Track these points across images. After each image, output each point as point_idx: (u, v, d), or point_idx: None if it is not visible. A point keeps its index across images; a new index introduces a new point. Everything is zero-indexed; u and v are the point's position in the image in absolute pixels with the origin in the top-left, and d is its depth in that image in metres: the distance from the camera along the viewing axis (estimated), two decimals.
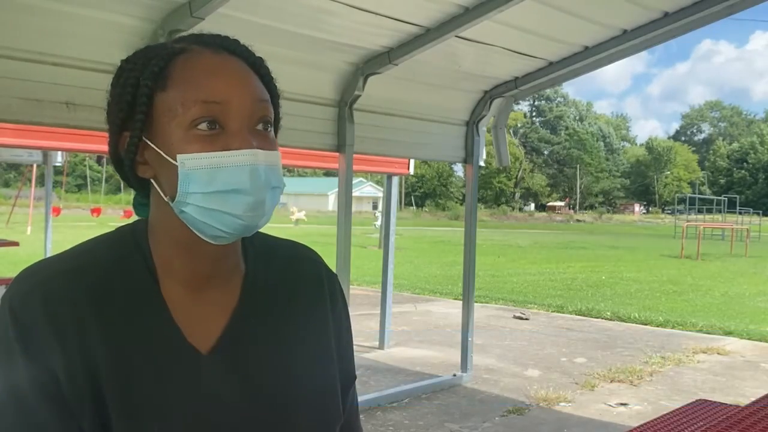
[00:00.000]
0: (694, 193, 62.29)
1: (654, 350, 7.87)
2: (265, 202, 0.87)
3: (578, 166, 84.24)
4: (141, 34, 3.59)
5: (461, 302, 6.35)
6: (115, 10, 3.50)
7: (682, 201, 50.74)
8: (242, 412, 0.92)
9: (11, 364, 0.84)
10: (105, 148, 0.96)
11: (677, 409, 3.94)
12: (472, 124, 5.96)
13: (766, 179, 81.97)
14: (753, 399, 3.72)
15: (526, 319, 9.86)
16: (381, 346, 7.63)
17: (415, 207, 71.19)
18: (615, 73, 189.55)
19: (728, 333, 9.07)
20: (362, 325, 8.57)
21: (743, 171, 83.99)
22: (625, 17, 4.79)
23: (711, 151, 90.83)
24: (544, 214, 71.20)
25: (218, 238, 0.89)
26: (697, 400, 4.15)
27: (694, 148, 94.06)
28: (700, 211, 43.36)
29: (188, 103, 0.86)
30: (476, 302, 7.37)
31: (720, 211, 41.37)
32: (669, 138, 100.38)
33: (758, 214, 48.28)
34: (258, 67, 0.93)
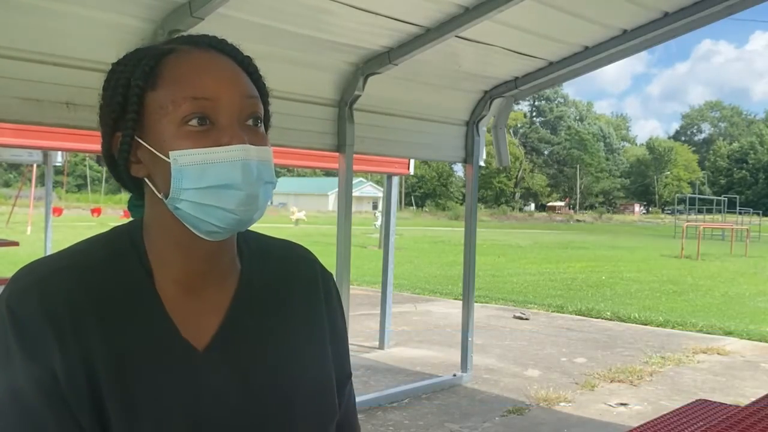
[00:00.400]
0: (695, 193, 62.29)
1: (654, 350, 7.87)
2: (258, 196, 0.88)
3: (578, 166, 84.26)
4: (141, 34, 3.58)
5: (461, 302, 6.35)
6: (115, 10, 3.51)
7: (682, 201, 50.74)
8: (238, 408, 0.92)
9: (10, 363, 0.85)
10: (101, 146, 0.96)
11: (677, 409, 3.94)
12: (472, 124, 5.96)
13: (766, 179, 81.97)
14: (753, 399, 3.72)
15: (526, 319, 9.86)
16: (381, 346, 7.63)
17: (415, 207, 71.21)
18: (615, 73, 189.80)
19: (728, 333, 9.07)
20: (362, 325, 8.57)
21: (743, 171, 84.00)
22: (625, 17, 4.79)
23: (711, 151, 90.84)
24: (544, 214, 71.22)
25: (213, 234, 0.90)
26: (697, 400, 4.15)
27: (694, 148, 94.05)
28: (700, 211, 43.38)
29: (178, 100, 0.87)
30: (476, 302, 7.38)
31: (720, 211, 41.38)
32: (669, 138, 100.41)
33: (758, 214, 48.30)
34: (246, 65, 0.95)
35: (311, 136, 4.86)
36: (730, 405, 4.12)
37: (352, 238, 5.20)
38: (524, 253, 22.84)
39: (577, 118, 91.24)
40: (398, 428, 5.10)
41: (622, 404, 5.79)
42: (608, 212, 75.78)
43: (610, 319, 10.07)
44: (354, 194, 7.62)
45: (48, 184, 10.87)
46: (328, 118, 4.90)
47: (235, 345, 0.94)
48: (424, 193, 78.03)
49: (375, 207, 51.15)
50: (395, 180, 7.70)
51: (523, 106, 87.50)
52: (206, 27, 3.49)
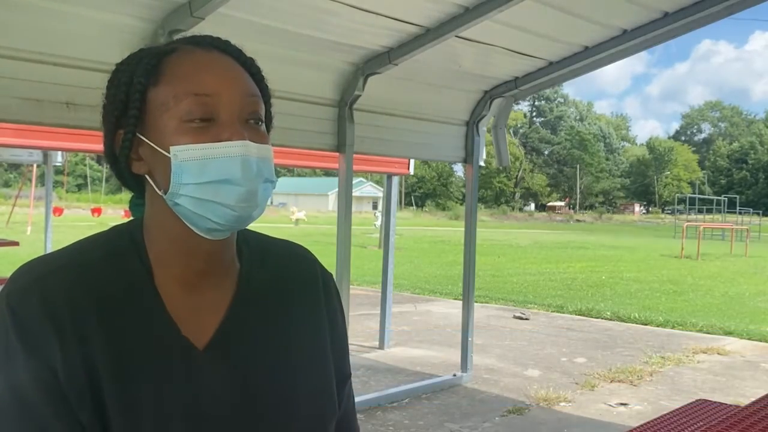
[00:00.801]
0: (695, 193, 62.28)
1: (654, 350, 7.87)
2: (258, 193, 0.88)
3: (578, 166, 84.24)
4: (141, 34, 3.59)
5: (461, 302, 6.35)
6: (115, 10, 3.51)
7: (682, 201, 50.77)
8: (237, 408, 0.92)
9: (11, 362, 0.85)
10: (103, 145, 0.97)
11: (677, 409, 3.94)
12: (472, 124, 5.96)
13: (766, 179, 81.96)
14: (753, 399, 3.72)
15: (526, 319, 9.86)
16: (381, 346, 7.62)
17: (415, 207, 71.18)
18: (615, 73, 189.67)
19: (728, 333, 9.07)
20: (362, 325, 8.57)
21: (744, 171, 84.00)
22: (625, 17, 4.79)
23: (711, 151, 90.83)
24: (544, 214, 71.23)
25: (212, 232, 0.90)
26: (697, 400, 4.15)
27: (694, 148, 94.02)
28: (700, 211, 43.39)
29: (180, 96, 0.87)
30: (476, 302, 7.37)
31: (720, 211, 41.38)
32: (669, 138, 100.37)
33: (758, 214, 48.31)
34: (249, 66, 0.95)
35: (311, 136, 4.86)
36: (730, 405, 4.13)
37: (352, 238, 5.20)
38: (524, 253, 22.84)
39: (578, 118, 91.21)
40: (398, 428, 5.10)
41: (622, 404, 5.79)
42: (608, 212, 75.77)
43: (610, 319, 10.06)
44: (354, 194, 7.62)
45: (48, 184, 10.86)
46: (328, 118, 4.90)
47: (235, 344, 0.94)
48: (424, 193, 78.01)
49: (375, 207, 51.16)
50: (395, 180, 7.70)
51: (523, 106, 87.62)
52: (206, 27, 3.49)
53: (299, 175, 69.07)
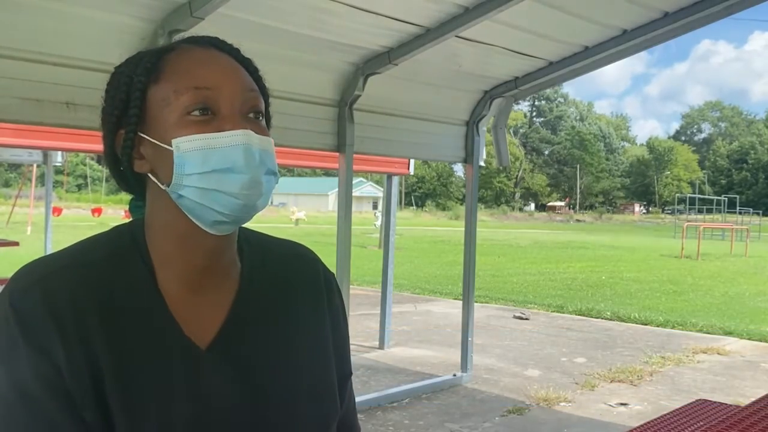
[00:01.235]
0: (695, 193, 62.29)
1: (654, 350, 7.87)
2: (262, 182, 0.88)
3: (578, 166, 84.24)
4: (141, 34, 3.59)
5: (461, 302, 6.35)
6: (115, 10, 3.51)
7: (682, 201, 50.77)
8: (240, 408, 0.92)
9: (15, 360, 0.85)
10: (103, 148, 0.97)
11: (677, 409, 3.94)
12: (472, 124, 5.96)
13: (766, 179, 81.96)
14: (753, 399, 3.72)
15: (526, 319, 9.86)
16: (381, 346, 7.62)
17: (415, 207, 71.19)
18: (615, 73, 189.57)
19: (728, 333, 9.07)
20: (362, 325, 8.57)
21: (744, 171, 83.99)
22: (625, 17, 4.79)
23: (711, 151, 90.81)
24: (544, 214, 71.22)
25: (217, 225, 0.90)
26: (697, 400, 4.15)
27: (694, 148, 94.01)
28: (700, 211, 43.41)
29: (180, 90, 0.88)
30: (476, 302, 7.37)
31: (720, 211, 41.40)
32: (669, 138, 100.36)
33: (758, 214, 48.31)
34: (247, 65, 0.96)
35: (311, 136, 4.86)
36: (730, 405, 4.13)
37: (352, 238, 5.19)
38: (524, 253, 22.84)
39: (578, 118, 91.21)
40: (398, 428, 5.10)
41: (622, 404, 5.79)
42: (608, 212, 75.76)
43: (610, 319, 10.06)
44: (354, 194, 7.62)
45: (48, 184, 10.86)
46: (328, 118, 4.90)
47: (237, 344, 0.94)
48: (424, 193, 78.01)
49: (375, 207, 51.17)
50: (395, 180, 7.70)
51: (523, 106, 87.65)
52: (206, 27, 3.49)
53: (299, 175, 69.05)
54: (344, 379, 1.08)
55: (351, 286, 5.60)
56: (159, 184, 0.90)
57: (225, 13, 3.59)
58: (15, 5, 3.26)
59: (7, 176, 55.48)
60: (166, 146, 0.87)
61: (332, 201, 57.63)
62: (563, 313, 10.63)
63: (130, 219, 1.00)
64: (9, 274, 0.92)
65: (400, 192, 56.49)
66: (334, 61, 4.70)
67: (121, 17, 3.54)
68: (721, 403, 4.09)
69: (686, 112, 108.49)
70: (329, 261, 1.21)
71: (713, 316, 10.39)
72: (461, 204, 52.79)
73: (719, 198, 44.52)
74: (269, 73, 1.00)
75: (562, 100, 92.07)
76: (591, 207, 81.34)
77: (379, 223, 21.57)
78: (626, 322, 9.91)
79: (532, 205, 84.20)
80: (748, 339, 8.73)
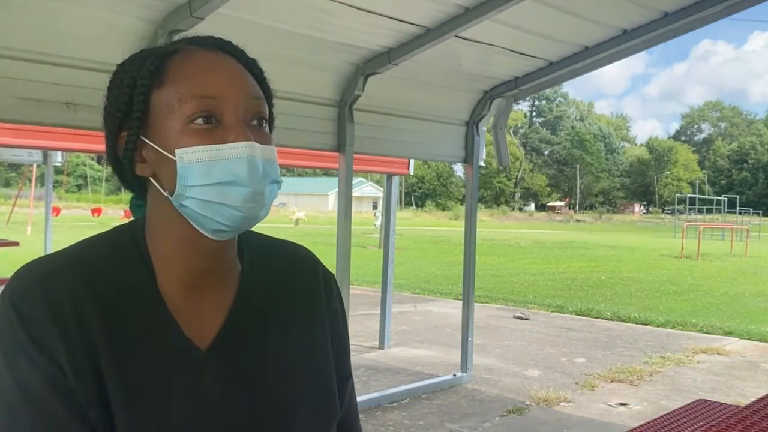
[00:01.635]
0: (695, 193, 62.29)
1: (654, 350, 7.87)
2: (264, 194, 0.88)
3: (578, 166, 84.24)
4: (141, 34, 3.59)
5: (461, 302, 6.35)
6: (115, 10, 3.51)
7: (682, 201, 50.78)
8: (239, 409, 0.92)
9: (18, 359, 0.85)
10: (105, 147, 0.96)
11: (677, 409, 3.94)
12: (472, 124, 5.96)
13: (766, 179, 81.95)
14: (753, 399, 3.72)
15: (526, 319, 9.86)
16: (381, 346, 7.62)
17: (415, 207, 71.18)
18: (614, 73, 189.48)
19: (728, 333, 9.07)
20: (362, 325, 8.57)
21: (744, 171, 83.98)
22: (625, 17, 4.79)
23: (711, 151, 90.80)
24: (544, 214, 71.21)
25: (219, 233, 0.90)
26: (697, 400, 4.15)
27: (694, 148, 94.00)
28: (700, 211, 43.43)
29: (184, 98, 0.87)
30: (476, 302, 7.37)
31: (720, 211, 41.40)
32: (669, 138, 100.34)
33: (758, 214, 48.34)
34: (251, 66, 0.95)
35: (311, 136, 4.86)
36: (730, 405, 4.13)
37: (352, 238, 5.19)
38: (524, 253, 22.84)
39: (578, 118, 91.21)
40: (398, 428, 5.10)
41: (622, 404, 5.79)
42: (608, 212, 75.77)
43: (610, 319, 10.06)
44: (354, 194, 7.62)
45: (48, 184, 10.86)
46: (328, 118, 4.90)
47: (237, 345, 0.94)
48: (424, 193, 77.99)
49: (375, 207, 51.16)
50: (395, 180, 7.70)
51: (523, 106, 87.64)
52: (206, 27, 3.49)
53: (299, 175, 69.04)
54: (344, 380, 1.08)
55: (351, 286, 5.60)
56: (161, 189, 0.90)
57: (225, 13, 3.59)
58: (15, 5, 3.26)
59: (7, 176, 55.48)
60: (169, 155, 0.87)
61: (332, 201, 57.62)
62: (563, 313, 10.63)
63: (131, 219, 1.00)
64: (9, 274, 0.92)
65: (400, 192, 56.47)
66: (334, 61, 4.70)
67: (121, 17, 3.54)
68: (721, 403, 4.09)
69: (686, 113, 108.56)
70: (329, 261, 1.21)
71: (713, 316, 10.39)
72: (461, 204, 52.77)
73: (719, 198, 44.53)
74: (269, 74, 1.00)
75: (562, 100, 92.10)
76: (591, 207, 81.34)
77: (379, 223, 21.57)
78: (626, 322, 9.91)
79: (532, 205, 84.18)
80: (748, 339, 8.72)
